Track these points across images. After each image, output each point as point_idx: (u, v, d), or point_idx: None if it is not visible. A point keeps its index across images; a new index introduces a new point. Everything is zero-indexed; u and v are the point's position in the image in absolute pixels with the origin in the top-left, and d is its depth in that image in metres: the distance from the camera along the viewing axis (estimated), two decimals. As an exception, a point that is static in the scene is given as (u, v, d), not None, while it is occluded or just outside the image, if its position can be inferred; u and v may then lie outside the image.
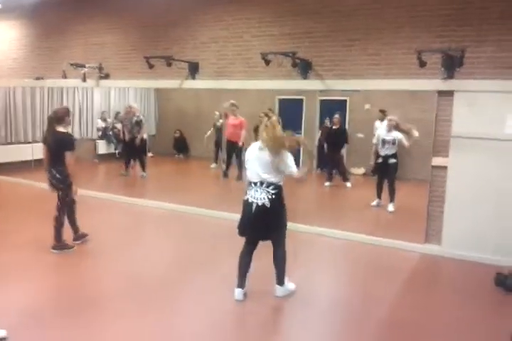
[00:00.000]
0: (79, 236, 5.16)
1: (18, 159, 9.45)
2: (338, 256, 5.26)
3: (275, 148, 3.62)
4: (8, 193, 7.80)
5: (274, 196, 3.66)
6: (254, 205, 3.67)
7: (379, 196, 7.24)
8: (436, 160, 5.13)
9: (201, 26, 6.78)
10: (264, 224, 3.72)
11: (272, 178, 3.67)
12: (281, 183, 3.73)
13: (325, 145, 9.08)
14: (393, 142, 6.97)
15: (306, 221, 5.79)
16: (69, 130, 5.19)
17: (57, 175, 4.81)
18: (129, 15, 7.49)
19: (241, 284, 3.87)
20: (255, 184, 3.71)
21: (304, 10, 5.94)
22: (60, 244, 4.91)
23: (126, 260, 4.79)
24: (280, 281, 3.91)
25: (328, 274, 4.68)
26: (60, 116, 4.88)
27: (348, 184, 8.71)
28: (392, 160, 7.03)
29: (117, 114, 11.60)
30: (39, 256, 4.76)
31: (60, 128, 4.85)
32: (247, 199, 3.74)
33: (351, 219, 6.36)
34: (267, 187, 3.66)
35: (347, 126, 9.86)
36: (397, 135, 6.99)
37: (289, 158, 3.70)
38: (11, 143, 9.72)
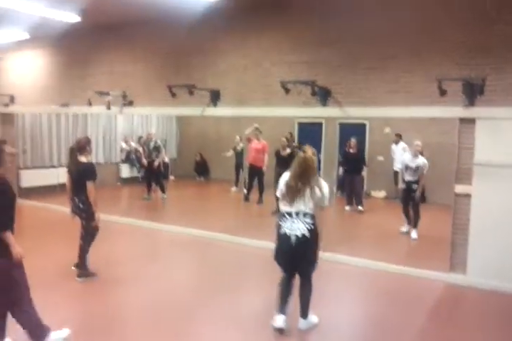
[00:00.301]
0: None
1: (44, 183, 9.69)
2: (360, 285, 5.18)
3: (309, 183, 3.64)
4: (33, 218, 7.93)
5: (312, 227, 3.62)
6: (294, 237, 3.59)
7: (409, 222, 7.03)
8: (459, 188, 5.06)
9: (222, 54, 6.93)
10: (305, 255, 3.67)
11: (307, 209, 3.63)
12: (314, 213, 3.68)
13: (340, 169, 9.08)
14: (416, 169, 6.78)
15: (326, 248, 5.70)
16: (91, 157, 5.31)
17: (80, 205, 4.92)
18: (151, 44, 7.72)
19: (283, 310, 3.76)
20: (290, 214, 3.65)
21: (322, 38, 6.03)
22: (84, 272, 4.98)
23: (148, 287, 4.81)
24: (304, 314, 3.84)
25: (351, 305, 4.61)
26: (82, 146, 5.03)
27: (360, 207, 8.71)
28: (416, 187, 6.84)
29: (140, 138, 11.85)
30: (61, 282, 4.82)
31: (82, 158, 4.99)
32: (284, 233, 3.63)
33: (373, 246, 6.27)
34: (304, 217, 3.61)
35: (367, 149, 9.86)
36: (420, 161, 6.79)
37: (325, 187, 3.69)
38: (37, 167, 9.97)
